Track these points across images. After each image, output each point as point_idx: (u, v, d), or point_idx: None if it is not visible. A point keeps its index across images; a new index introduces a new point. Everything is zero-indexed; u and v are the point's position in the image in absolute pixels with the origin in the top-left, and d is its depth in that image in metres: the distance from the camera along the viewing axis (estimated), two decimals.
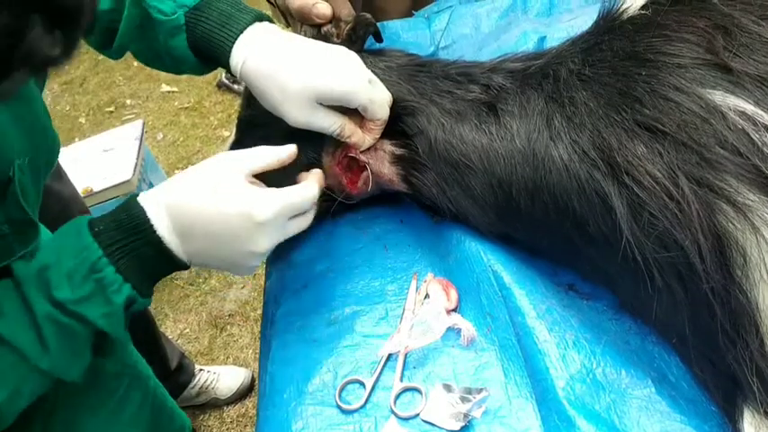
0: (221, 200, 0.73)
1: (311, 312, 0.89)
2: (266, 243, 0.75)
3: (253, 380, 1.97)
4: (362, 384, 0.80)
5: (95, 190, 2.24)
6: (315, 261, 0.95)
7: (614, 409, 0.71)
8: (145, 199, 0.73)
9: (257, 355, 2.00)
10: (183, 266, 0.76)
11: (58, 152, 0.85)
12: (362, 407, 0.78)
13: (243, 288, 2.25)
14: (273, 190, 0.77)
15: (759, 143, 0.62)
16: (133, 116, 2.98)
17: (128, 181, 2.26)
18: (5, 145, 0.72)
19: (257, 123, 0.99)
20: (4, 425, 0.69)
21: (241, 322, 2.15)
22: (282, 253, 0.99)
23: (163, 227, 0.72)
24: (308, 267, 0.95)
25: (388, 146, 0.92)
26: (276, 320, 0.90)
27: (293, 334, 0.87)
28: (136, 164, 2.31)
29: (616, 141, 0.70)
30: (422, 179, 0.90)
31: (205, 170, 0.76)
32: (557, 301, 0.81)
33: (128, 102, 3.20)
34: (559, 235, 0.79)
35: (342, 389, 0.80)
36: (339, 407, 0.78)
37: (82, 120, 3.15)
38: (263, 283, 1.09)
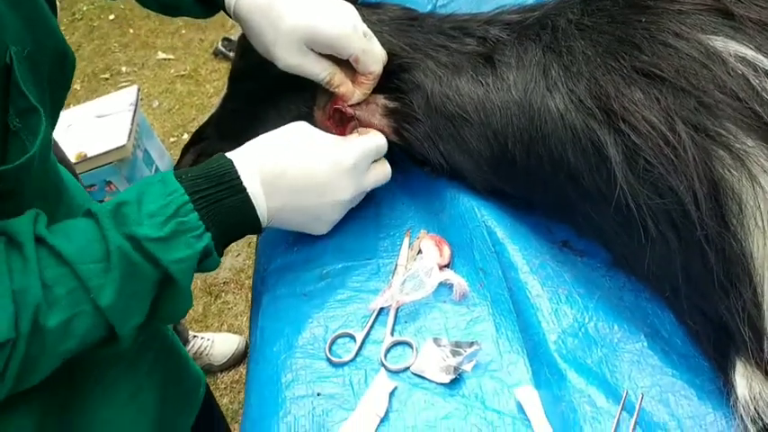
0: (308, 150, 0.78)
1: (302, 268, 0.88)
2: (351, 189, 0.81)
3: (246, 346, 1.97)
4: (353, 338, 0.79)
5: (89, 155, 2.22)
6: None
7: (606, 363, 0.70)
8: (233, 154, 0.75)
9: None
10: (258, 229, 0.77)
11: (73, 68, 0.78)
12: (352, 360, 0.77)
13: (238, 256, 2.24)
14: (352, 137, 0.85)
15: (759, 88, 0.61)
16: (128, 83, 2.95)
17: (122, 146, 2.24)
18: None
19: (249, 75, 0.98)
20: (46, 368, 0.63)
21: (236, 290, 2.14)
22: None
23: (249, 178, 0.73)
24: None
25: (380, 99, 0.90)
26: (267, 276, 0.89)
27: (284, 289, 0.86)
28: (131, 129, 2.29)
29: (613, 89, 0.69)
30: (414, 133, 0.89)
31: (287, 128, 0.82)
32: (550, 256, 0.80)
33: (123, 69, 3.17)
34: (554, 189, 0.78)
35: (332, 342, 0.79)
36: (329, 360, 0.77)
37: (77, 86, 3.12)
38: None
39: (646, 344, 0.70)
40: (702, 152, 0.61)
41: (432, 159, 0.88)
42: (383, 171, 0.87)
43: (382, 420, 0.71)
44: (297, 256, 0.90)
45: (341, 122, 0.93)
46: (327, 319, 0.81)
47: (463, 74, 0.84)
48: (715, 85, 0.62)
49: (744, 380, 0.62)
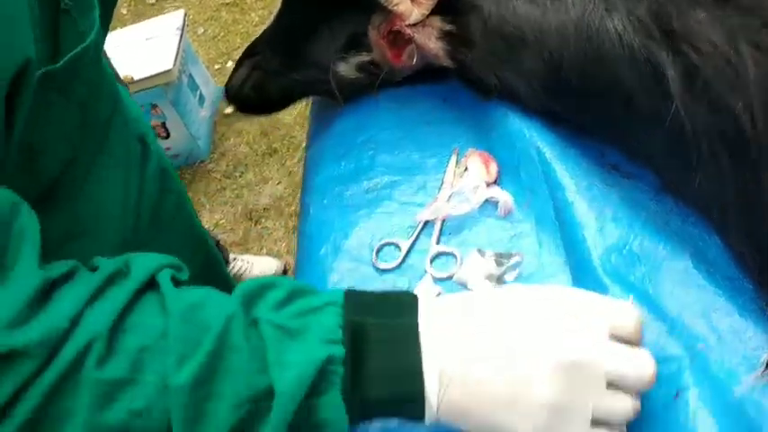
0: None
1: (350, 180, 0.90)
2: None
3: (285, 271, 2.02)
4: (398, 247, 0.81)
5: (135, 78, 2.25)
6: (356, 131, 0.95)
7: (649, 279, 0.71)
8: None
9: (291, 249, 2.04)
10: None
11: None
12: (398, 267, 0.80)
13: (278, 184, 2.27)
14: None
15: None
16: (174, 9, 2.95)
17: (168, 71, 2.27)
18: None
19: None
20: None
21: (275, 216, 2.18)
22: (324, 124, 1.00)
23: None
24: (350, 137, 0.95)
25: (436, 21, 0.90)
26: (315, 186, 0.91)
27: (331, 198, 0.88)
28: (177, 54, 2.31)
29: (675, 9, 0.68)
30: (470, 55, 0.89)
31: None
32: (599, 179, 0.81)
33: None
34: (607, 111, 0.78)
35: (378, 250, 0.81)
36: (375, 266, 0.80)
37: (123, 11, 3.14)
38: (297, 179, 1.10)
39: (690, 263, 0.71)
40: (763, 71, 0.61)
41: (486, 82, 0.89)
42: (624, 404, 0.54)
43: None
44: (344, 169, 0.92)
45: (395, 44, 0.94)
46: (374, 229, 0.84)
47: None
48: None
49: None
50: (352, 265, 0.80)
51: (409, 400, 0.49)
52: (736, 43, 0.63)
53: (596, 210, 0.77)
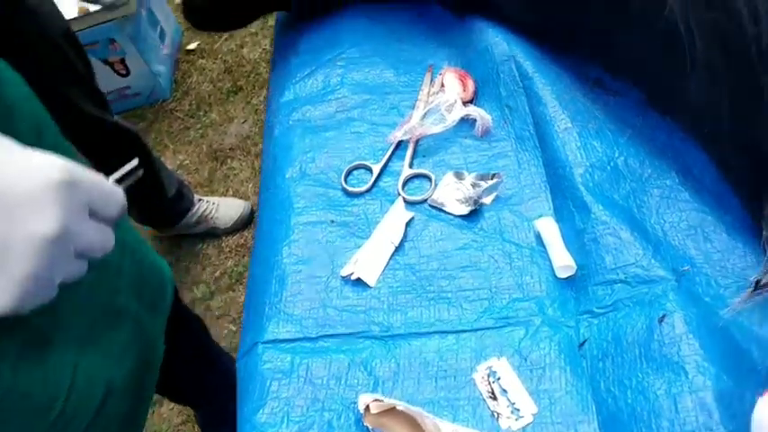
0: None
1: (317, 100, 0.84)
2: (57, 219, 0.42)
3: (252, 212, 1.96)
4: (369, 170, 0.76)
5: (91, 10, 2.13)
6: (323, 49, 0.89)
7: (633, 197, 0.67)
8: None
9: (257, 189, 1.98)
10: None
11: None
12: (368, 190, 0.75)
13: (244, 123, 2.19)
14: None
15: None
16: None
17: (126, 3, 2.14)
18: None
19: None
20: None
21: (241, 156, 2.11)
22: (289, 41, 0.93)
23: None
24: (316, 55, 0.89)
25: None
26: (280, 107, 0.85)
27: (297, 120, 0.83)
28: None
29: None
30: None
31: None
32: (581, 93, 0.76)
33: None
34: (594, 17, 0.73)
35: (348, 173, 0.76)
36: (344, 189, 0.75)
37: None
38: (264, 118, 1.03)
39: (676, 180, 0.67)
40: None
41: None
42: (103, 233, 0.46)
43: (397, 249, 0.70)
44: (311, 88, 0.86)
45: None
46: (343, 151, 0.78)
47: None
48: None
49: None
50: (320, 190, 0.75)
51: None
52: None
53: (579, 125, 0.72)
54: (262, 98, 2.22)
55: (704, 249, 0.63)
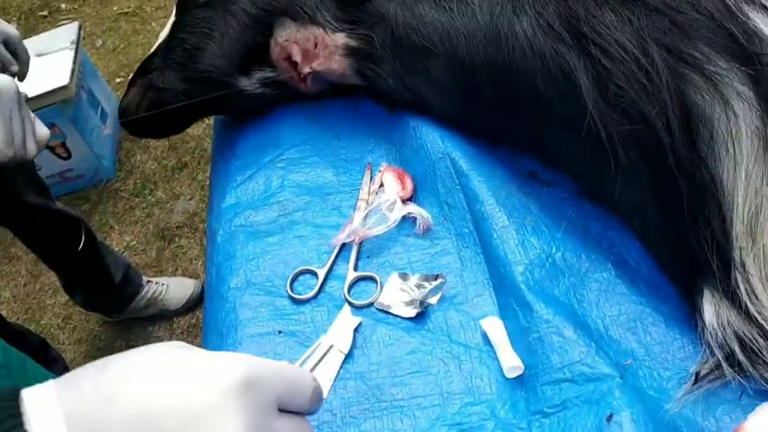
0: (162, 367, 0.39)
1: (259, 204, 0.84)
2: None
3: (202, 290, 1.93)
4: (315, 275, 0.77)
5: (30, 96, 2.11)
6: (263, 150, 0.90)
7: (573, 292, 0.69)
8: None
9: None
10: None
11: None
12: (315, 297, 0.75)
13: (191, 199, 2.18)
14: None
15: (733, 7, 0.58)
16: (69, 21, 2.80)
17: (65, 86, 2.13)
18: None
19: (199, 4, 0.92)
20: None
21: (189, 234, 2.09)
22: (228, 143, 0.94)
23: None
24: (256, 157, 0.89)
25: (341, 38, 0.86)
26: (221, 212, 0.85)
27: (240, 225, 0.83)
28: (73, 69, 2.17)
29: (583, 10, 0.66)
30: (378, 71, 0.85)
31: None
32: (516, 188, 0.78)
33: (62, 6, 3.00)
34: (522, 119, 0.76)
35: (293, 279, 0.76)
36: (290, 297, 0.75)
37: (13, 25, 2.95)
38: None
39: (613, 272, 0.69)
40: (675, 76, 0.59)
41: (398, 96, 0.85)
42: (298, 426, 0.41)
43: (346, 357, 0.70)
44: (252, 191, 0.86)
45: (296, 65, 0.89)
46: (287, 256, 0.79)
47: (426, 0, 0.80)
48: (688, 3, 0.60)
49: (711, 307, 0.62)
50: (266, 299, 0.75)
51: None
52: (645, 46, 0.61)
53: (516, 222, 0.74)
54: (208, 173, 2.21)
55: (645, 342, 0.65)
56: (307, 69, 0.88)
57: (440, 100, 0.82)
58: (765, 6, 0.58)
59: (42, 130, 0.63)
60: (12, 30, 0.97)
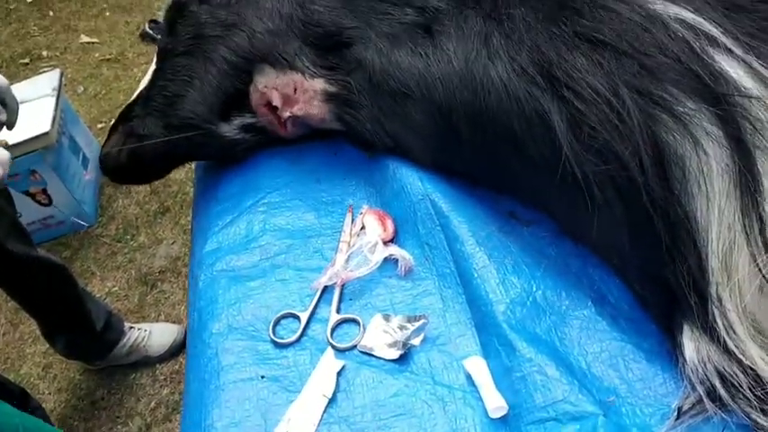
0: None
1: (240, 248, 0.85)
2: None
3: (186, 336, 1.91)
4: (297, 318, 0.76)
5: (10, 143, 2.10)
6: (243, 195, 0.90)
7: (555, 331, 0.69)
8: None
9: None
10: None
11: None
12: (297, 341, 0.75)
13: (173, 244, 2.17)
14: None
15: (699, 51, 0.60)
16: (50, 68, 2.81)
17: (46, 133, 2.13)
18: None
19: (179, 52, 0.93)
20: None
21: (172, 278, 2.07)
22: (209, 188, 0.95)
23: None
24: (236, 202, 0.90)
25: (319, 84, 0.87)
26: (203, 257, 0.85)
27: (221, 270, 0.83)
28: (54, 115, 2.17)
29: (555, 55, 0.68)
30: (357, 116, 0.87)
31: None
32: (496, 228, 0.79)
33: (44, 53, 3.02)
34: (500, 160, 0.77)
35: (275, 323, 0.76)
36: (273, 341, 0.75)
37: None
38: None
39: (594, 309, 0.70)
40: (646, 117, 0.61)
41: (377, 140, 0.86)
42: None
43: (330, 401, 0.69)
44: (234, 237, 0.86)
45: (276, 110, 0.91)
46: (269, 300, 0.78)
47: (403, 46, 0.82)
48: (656, 48, 0.62)
49: (691, 343, 0.62)
50: (248, 343, 0.74)
51: None
52: (616, 89, 0.63)
53: (496, 261, 0.75)
54: (190, 217, 2.21)
55: (627, 379, 0.65)
56: (287, 114, 0.89)
57: (419, 143, 0.84)
58: (729, 49, 0.60)
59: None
60: (1, 78, 0.99)
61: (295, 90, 0.88)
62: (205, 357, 0.74)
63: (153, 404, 1.81)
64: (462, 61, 0.77)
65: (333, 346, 0.73)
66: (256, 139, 0.94)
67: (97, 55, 2.96)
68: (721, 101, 0.59)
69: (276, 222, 0.86)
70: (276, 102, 0.89)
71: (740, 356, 0.61)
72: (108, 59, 2.93)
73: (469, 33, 0.77)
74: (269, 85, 0.90)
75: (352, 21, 0.86)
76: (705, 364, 0.62)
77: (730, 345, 0.61)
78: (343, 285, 0.78)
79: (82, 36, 3.06)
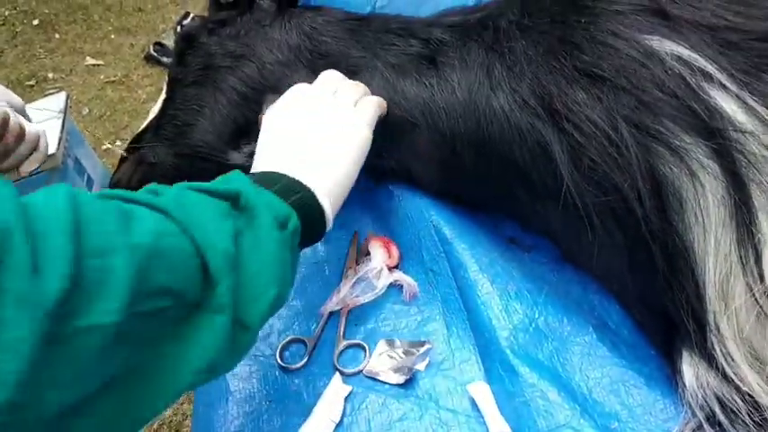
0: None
1: None
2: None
3: None
4: (304, 344, 0.78)
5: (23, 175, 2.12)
6: None
7: (557, 356, 0.71)
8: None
9: None
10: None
11: None
12: (305, 366, 0.76)
13: None
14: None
15: (695, 86, 0.62)
16: (56, 90, 2.85)
17: (53, 155, 2.15)
18: None
19: (189, 82, 0.95)
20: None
21: None
22: None
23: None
24: None
25: None
26: None
27: None
28: (60, 137, 2.19)
29: (556, 88, 0.70)
30: None
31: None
32: (498, 254, 0.81)
33: (50, 75, 3.05)
34: (503, 188, 0.79)
35: (283, 349, 0.78)
36: (281, 366, 0.76)
37: None
38: None
39: (595, 336, 0.72)
40: (644, 150, 0.63)
41: (385, 167, 0.89)
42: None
43: (337, 426, 0.71)
44: None
45: None
46: (277, 325, 0.80)
47: (408, 76, 0.84)
48: (653, 83, 0.64)
49: (691, 369, 0.64)
50: (256, 368, 0.76)
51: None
52: (615, 123, 0.65)
53: (499, 288, 0.76)
54: None
55: (628, 404, 0.67)
56: None
57: (424, 170, 0.86)
58: (724, 85, 0.62)
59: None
60: (17, 99, 1.01)
61: None
62: (214, 385, 0.76)
63: (155, 425, 1.82)
64: (466, 91, 0.79)
65: (339, 371, 0.75)
66: None
67: (102, 77, 2.99)
68: (716, 135, 0.61)
69: None
70: None
71: (738, 383, 0.62)
72: (113, 81, 2.96)
73: (472, 65, 0.79)
74: None
75: (359, 51, 0.88)
76: (704, 390, 0.63)
77: (728, 372, 0.63)
78: (348, 311, 0.80)
79: (87, 58, 3.10)
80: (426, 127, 0.82)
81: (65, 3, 3.47)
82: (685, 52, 0.64)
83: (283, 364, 0.76)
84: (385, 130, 0.86)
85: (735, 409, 0.62)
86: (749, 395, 0.61)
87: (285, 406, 0.73)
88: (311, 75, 0.90)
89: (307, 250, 0.86)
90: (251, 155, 0.93)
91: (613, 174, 0.64)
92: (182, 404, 1.87)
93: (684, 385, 0.64)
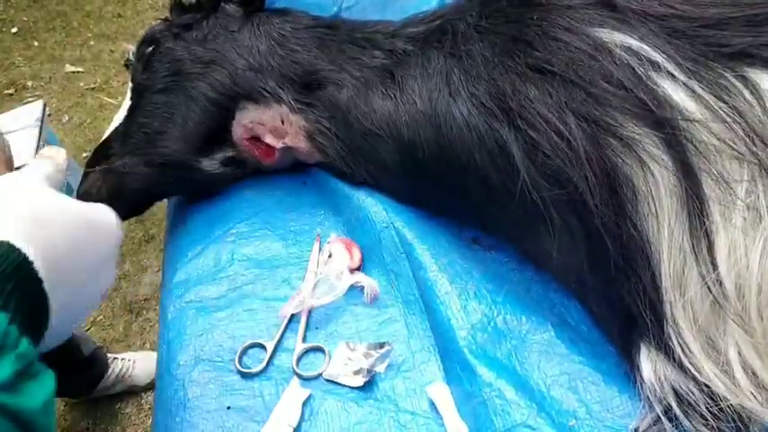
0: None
1: (209, 278, 0.85)
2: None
3: None
4: (263, 348, 0.77)
5: None
6: (213, 226, 0.91)
7: (515, 354, 0.70)
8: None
9: None
10: None
11: None
12: (263, 370, 0.75)
13: (158, 271, 2.17)
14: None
15: (643, 77, 0.62)
16: (35, 98, 2.82)
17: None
18: None
19: (158, 89, 0.94)
20: None
21: (157, 306, 2.07)
22: (180, 218, 0.95)
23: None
24: (206, 232, 0.91)
25: (301, 122, 0.89)
26: (172, 287, 0.86)
27: (190, 301, 0.83)
28: (37, 146, 2.19)
29: (510, 87, 0.69)
30: (337, 153, 0.89)
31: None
32: (459, 254, 0.80)
33: (29, 83, 3.03)
34: (464, 192, 0.78)
35: (242, 353, 0.77)
36: (239, 371, 0.75)
37: None
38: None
39: (553, 333, 0.71)
40: (593, 142, 0.62)
41: (357, 175, 0.88)
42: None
43: (295, 430, 0.70)
44: (202, 265, 0.87)
45: (260, 141, 0.92)
46: (236, 330, 0.79)
47: (373, 88, 0.84)
48: (602, 75, 0.63)
49: (649, 363, 0.63)
50: (214, 374, 0.75)
51: None
52: (564, 117, 0.64)
53: (459, 288, 0.76)
54: None
55: (585, 401, 0.66)
56: (280, 145, 0.91)
57: (390, 178, 0.86)
58: (672, 74, 0.61)
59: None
60: None
61: (282, 121, 0.90)
62: (172, 389, 0.75)
63: None
64: (426, 100, 0.78)
65: (298, 375, 0.74)
66: (237, 171, 0.95)
67: (82, 84, 2.97)
68: (665, 125, 0.60)
69: (244, 252, 0.87)
70: (267, 138, 0.91)
71: (695, 374, 0.61)
72: (93, 88, 2.95)
73: (433, 73, 0.79)
74: (254, 120, 0.91)
75: (326, 63, 0.88)
76: (662, 384, 0.63)
77: (686, 363, 0.62)
78: (309, 313, 0.79)
79: (67, 65, 3.08)
80: (391, 138, 0.82)
81: (44, 10, 3.45)
82: (634, 43, 0.64)
83: (242, 369, 0.75)
84: (354, 142, 0.86)
85: (692, 401, 0.61)
86: (706, 386, 0.61)
87: (244, 411, 0.72)
88: (284, 80, 0.89)
89: (267, 252, 0.86)
90: (223, 161, 0.93)
91: (566, 167, 0.64)
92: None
93: (642, 379, 0.63)
